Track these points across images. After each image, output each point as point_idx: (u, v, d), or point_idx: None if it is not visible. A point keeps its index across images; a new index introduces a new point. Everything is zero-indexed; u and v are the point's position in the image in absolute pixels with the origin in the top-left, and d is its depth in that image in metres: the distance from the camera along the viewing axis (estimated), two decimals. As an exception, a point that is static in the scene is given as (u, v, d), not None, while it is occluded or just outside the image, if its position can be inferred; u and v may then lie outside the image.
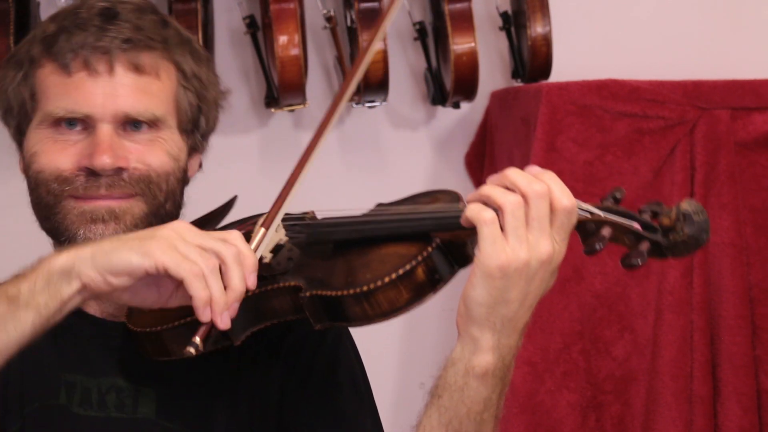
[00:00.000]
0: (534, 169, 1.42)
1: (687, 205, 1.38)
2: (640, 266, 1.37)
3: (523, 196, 1.38)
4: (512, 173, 1.40)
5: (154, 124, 1.63)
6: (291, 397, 1.64)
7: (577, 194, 3.16)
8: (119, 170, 1.60)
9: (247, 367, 1.65)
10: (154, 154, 1.63)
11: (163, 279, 1.40)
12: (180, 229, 1.40)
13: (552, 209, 1.39)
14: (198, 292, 1.36)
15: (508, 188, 1.39)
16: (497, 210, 1.38)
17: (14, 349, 1.41)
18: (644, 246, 1.38)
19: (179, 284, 1.39)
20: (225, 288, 1.38)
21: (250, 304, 1.52)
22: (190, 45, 1.69)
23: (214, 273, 1.37)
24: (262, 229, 1.48)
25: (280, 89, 2.98)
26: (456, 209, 1.47)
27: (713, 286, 2.93)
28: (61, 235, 1.62)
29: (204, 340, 1.40)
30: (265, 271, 1.53)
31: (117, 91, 1.60)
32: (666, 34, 3.35)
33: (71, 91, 1.60)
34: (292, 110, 3.09)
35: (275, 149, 3.23)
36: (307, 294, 1.47)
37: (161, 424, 1.60)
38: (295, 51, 2.94)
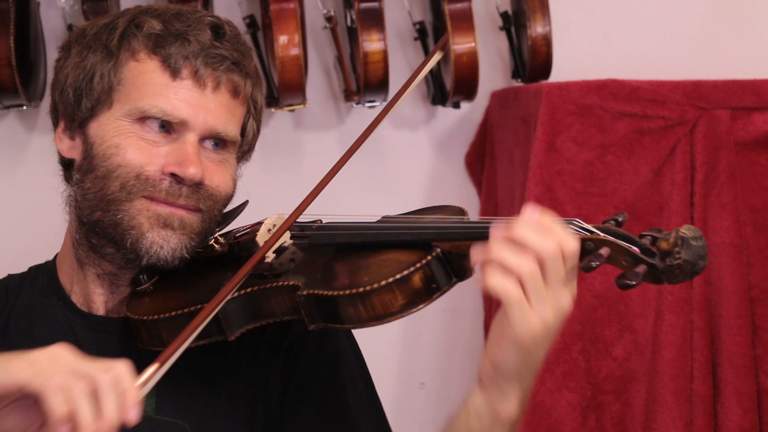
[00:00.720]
0: (532, 214, 1.41)
1: (686, 231, 1.39)
2: (634, 286, 1.39)
3: (539, 258, 1.39)
4: (520, 232, 1.39)
5: (225, 146, 1.66)
6: (294, 393, 1.65)
7: (577, 194, 3.16)
8: (199, 184, 1.62)
9: (247, 364, 1.66)
10: (222, 175, 1.66)
11: (30, 404, 1.29)
12: (57, 352, 1.29)
13: (563, 258, 1.40)
14: (55, 406, 1.24)
15: (518, 243, 1.40)
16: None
17: None
18: (641, 268, 1.39)
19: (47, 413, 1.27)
20: (97, 416, 1.25)
21: (248, 301, 1.53)
22: (261, 78, 1.74)
23: (82, 395, 1.24)
24: (156, 365, 1.38)
25: (280, 89, 2.98)
26: (460, 221, 1.49)
27: (713, 286, 2.93)
28: (125, 233, 1.62)
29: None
30: (266, 270, 1.54)
31: (215, 108, 1.63)
32: (666, 34, 3.35)
33: (171, 94, 1.61)
34: (292, 110, 3.09)
35: (275, 149, 3.23)
36: (304, 293, 1.48)
37: (161, 421, 1.61)
38: (295, 51, 2.95)
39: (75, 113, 1.66)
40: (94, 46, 1.65)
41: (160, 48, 1.62)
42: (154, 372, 1.36)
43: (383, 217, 1.61)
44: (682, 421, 2.87)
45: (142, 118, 1.62)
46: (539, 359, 1.44)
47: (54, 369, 1.26)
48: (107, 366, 1.28)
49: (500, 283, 1.39)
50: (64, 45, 1.71)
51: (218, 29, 1.65)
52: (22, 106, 2.94)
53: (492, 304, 3.22)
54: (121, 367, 1.28)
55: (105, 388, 1.26)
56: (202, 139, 1.64)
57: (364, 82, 3.02)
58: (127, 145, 1.61)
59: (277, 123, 3.23)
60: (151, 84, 1.62)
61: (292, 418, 1.64)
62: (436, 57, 1.78)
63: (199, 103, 1.62)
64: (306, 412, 1.64)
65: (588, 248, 1.41)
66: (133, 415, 1.26)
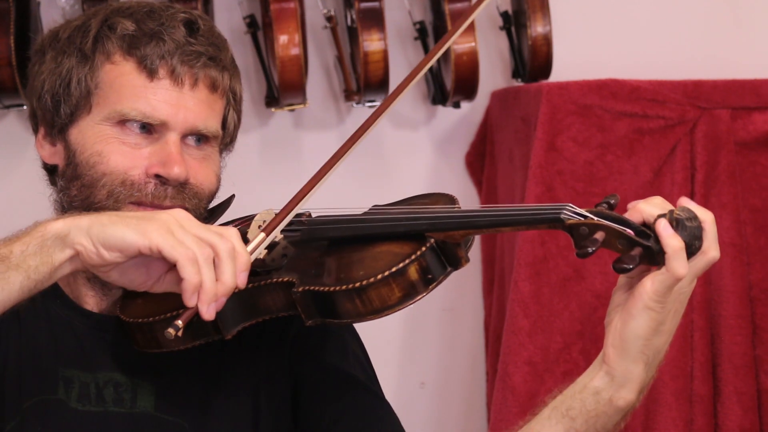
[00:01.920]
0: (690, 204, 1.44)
1: (680, 212, 1.39)
2: (631, 270, 1.38)
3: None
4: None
5: (208, 140, 1.66)
6: (308, 380, 1.66)
7: (577, 194, 3.16)
8: (184, 182, 1.62)
9: (248, 359, 1.66)
10: (206, 172, 1.66)
11: (153, 262, 1.42)
12: (179, 216, 1.42)
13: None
14: (190, 276, 1.38)
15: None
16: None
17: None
18: (636, 251, 1.38)
19: (169, 269, 1.41)
20: (216, 280, 1.39)
21: (243, 299, 1.53)
22: (238, 68, 1.73)
23: (207, 262, 1.38)
24: (262, 234, 1.48)
25: (281, 89, 2.98)
26: (452, 210, 1.48)
27: (713, 286, 2.93)
28: None
29: (186, 327, 1.41)
30: (259, 266, 1.54)
31: (195, 105, 1.62)
32: (666, 34, 3.35)
33: (149, 95, 1.60)
34: (292, 110, 3.09)
35: (275, 149, 3.23)
36: (300, 289, 1.48)
37: (160, 418, 1.61)
38: (295, 51, 2.94)
39: (54, 120, 1.65)
40: (68, 51, 1.64)
41: (135, 49, 1.61)
42: (261, 240, 1.48)
43: (372, 207, 1.61)
44: (682, 420, 2.87)
45: (122, 121, 1.61)
46: (664, 339, 1.43)
47: (185, 236, 1.39)
48: (222, 232, 1.41)
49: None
50: (38, 49, 1.69)
51: (192, 24, 1.64)
52: (22, 105, 2.94)
53: (492, 304, 3.22)
54: (234, 234, 1.42)
55: (224, 255, 1.39)
56: (184, 136, 1.63)
57: (365, 81, 3.02)
58: (110, 151, 1.60)
59: (277, 123, 3.24)
60: (129, 86, 1.61)
61: (313, 404, 1.65)
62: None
63: (178, 102, 1.61)
64: (324, 395, 1.65)
65: (583, 233, 1.39)
66: (243, 279, 1.41)
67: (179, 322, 1.41)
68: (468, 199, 3.32)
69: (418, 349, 3.35)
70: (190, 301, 1.39)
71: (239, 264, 1.41)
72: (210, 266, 1.39)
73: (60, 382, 1.62)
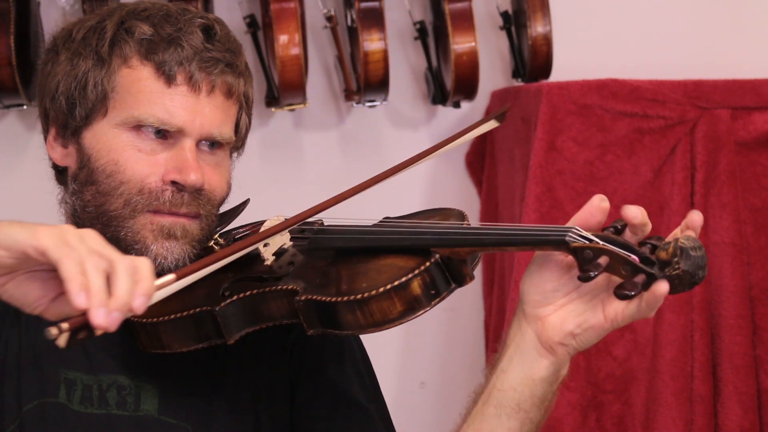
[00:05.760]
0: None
1: (685, 241, 1.37)
2: (633, 297, 1.37)
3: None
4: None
5: (221, 145, 1.65)
6: (303, 392, 1.65)
7: (577, 194, 3.15)
8: (199, 189, 1.61)
9: (250, 366, 1.66)
10: (218, 179, 1.65)
11: (49, 276, 1.31)
12: (83, 232, 1.30)
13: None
14: (71, 274, 1.24)
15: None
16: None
17: None
18: (639, 278, 1.37)
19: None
20: (108, 292, 1.25)
21: (247, 304, 1.53)
22: (251, 72, 1.72)
23: (96, 270, 1.25)
24: (173, 275, 1.36)
25: (281, 88, 2.98)
26: (459, 227, 1.48)
27: (713, 286, 2.93)
28: (129, 248, 1.60)
29: (73, 331, 1.25)
30: (265, 273, 1.54)
31: (210, 112, 1.62)
32: (666, 34, 3.35)
33: (167, 102, 1.59)
34: (292, 110, 3.10)
35: (275, 148, 3.23)
36: (302, 298, 1.47)
37: (163, 421, 1.60)
38: (295, 50, 2.95)
39: (68, 121, 1.64)
40: (84, 53, 1.63)
41: (153, 54, 1.60)
42: (170, 281, 1.35)
43: (384, 218, 1.61)
44: (682, 420, 2.87)
45: (138, 126, 1.60)
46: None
47: (78, 244, 1.27)
48: (129, 256, 1.29)
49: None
50: (51, 48, 1.67)
51: (209, 30, 1.63)
52: (22, 105, 2.94)
53: (492, 304, 3.22)
54: (142, 260, 1.29)
55: (121, 271, 1.25)
56: (198, 141, 1.63)
57: (365, 81, 3.02)
58: (126, 160, 1.60)
59: (277, 123, 3.23)
60: (146, 91, 1.60)
61: (304, 417, 1.64)
62: (491, 125, 1.78)
63: (195, 108, 1.60)
64: (316, 410, 1.64)
65: (587, 257, 1.38)
66: (141, 303, 1.26)
67: (65, 325, 1.24)
68: (468, 199, 3.32)
69: (418, 349, 3.35)
70: (76, 299, 1.23)
71: (139, 286, 1.26)
72: (99, 274, 1.25)
73: (61, 385, 1.61)
